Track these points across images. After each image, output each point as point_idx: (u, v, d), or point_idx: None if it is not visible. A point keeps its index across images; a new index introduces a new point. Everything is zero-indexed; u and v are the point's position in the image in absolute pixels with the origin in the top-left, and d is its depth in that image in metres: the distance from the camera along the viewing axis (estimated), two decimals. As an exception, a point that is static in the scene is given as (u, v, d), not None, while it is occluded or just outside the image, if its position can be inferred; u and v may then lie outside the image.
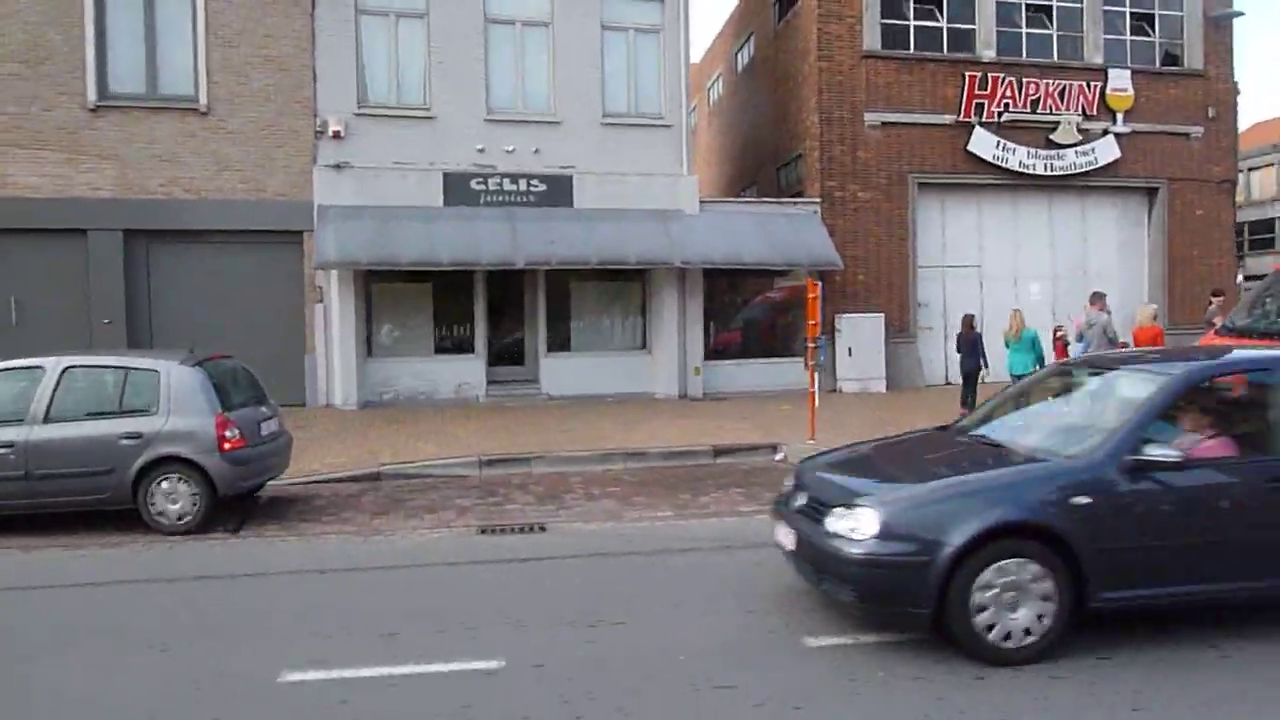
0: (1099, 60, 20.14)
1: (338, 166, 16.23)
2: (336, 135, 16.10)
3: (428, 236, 15.93)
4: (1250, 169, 45.52)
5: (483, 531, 8.27)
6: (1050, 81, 19.64)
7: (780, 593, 6.11)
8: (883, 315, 18.81)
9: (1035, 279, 20.44)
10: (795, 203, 19.09)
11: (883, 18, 19.09)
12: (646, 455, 11.67)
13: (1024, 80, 19.51)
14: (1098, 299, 13.63)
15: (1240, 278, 27.86)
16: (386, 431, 13.39)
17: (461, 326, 17.58)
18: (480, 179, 16.80)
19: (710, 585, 6.40)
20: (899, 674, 4.80)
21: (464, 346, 17.48)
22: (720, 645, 5.24)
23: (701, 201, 18.21)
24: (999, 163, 19.49)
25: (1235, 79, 21.13)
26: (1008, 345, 13.89)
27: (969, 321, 15.09)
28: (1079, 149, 19.86)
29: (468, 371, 17.21)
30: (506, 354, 17.94)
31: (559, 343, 18.06)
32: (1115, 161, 20.12)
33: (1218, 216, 21.21)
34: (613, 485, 10.33)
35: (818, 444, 11.86)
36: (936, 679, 4.72)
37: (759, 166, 23.20)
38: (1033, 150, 19.63)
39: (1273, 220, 48.14)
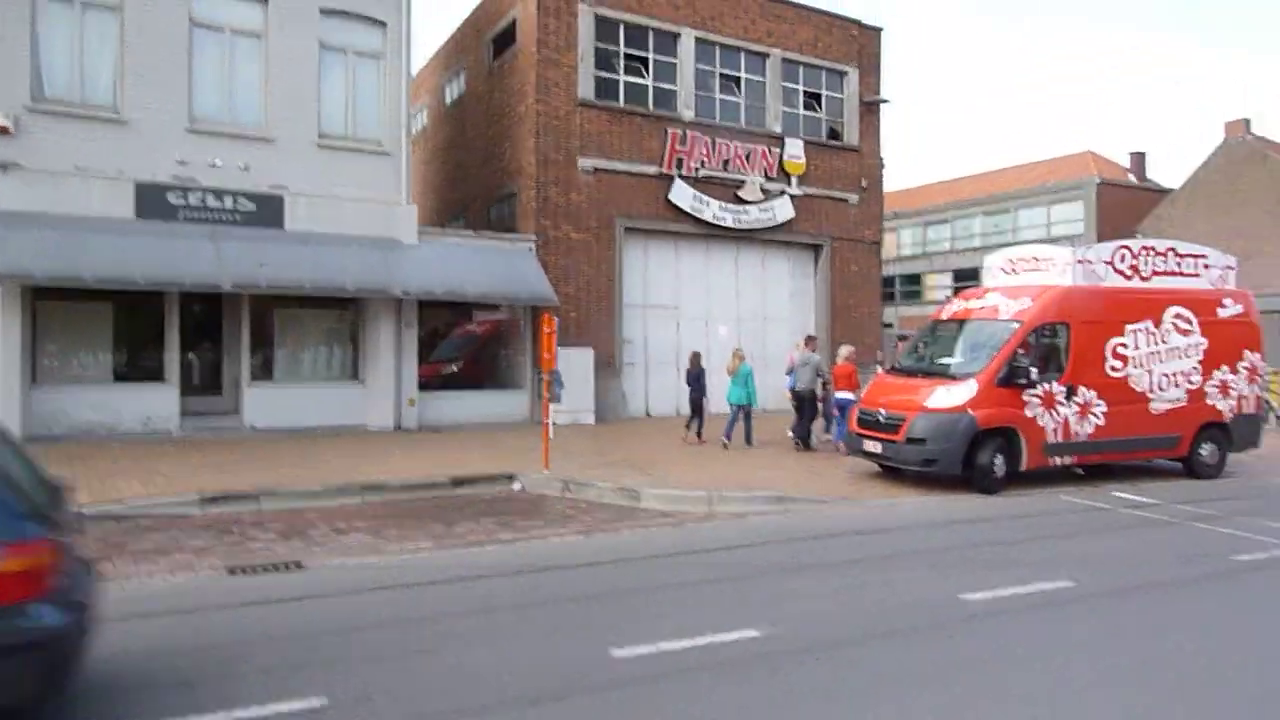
0: (778, 129, 22.71)
1: (3, 166, 14.18)
2: (4, 131, 14.09)
3: (118, 252, 14.35)
4: (892, 230, 53.24)
5: (233, 572, 7.69)
6: (739, 144, 21.82)
7: (585, 608, 6.38)
8: (592, 350, 19.68)
9: (724, 321, 22.42)
10: (513, 239, 19.50)
11: (596, 69, 20.20)
12: (385, 488, 11.37)
13: (717, 141, 21.51)
14: (810, 341, 15.59)
15: (896, 325, 32.08)
16: (71, 469, 11.83)
17: (149, 352, 15.96)
18: (180, 193, 15.45)
19: (522, 607, 6.52)
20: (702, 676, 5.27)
21: (152, 374, 15.87)
22: (538, 665, 5.40)
23: (420, 231, 18.04)
24: (695, 213, 21.26)
25: (882, 155, 24.76)
26: (735, 381, 15.65)
27: (696, 358, 16.81)
28: (761, 206, 22.21)
29: (157, 402, 15.62)
30: (203, 383, 16.53)
31: (264, 372, 16.97)
32: (790, 220, 22.71)
33: (868, 272, 24.61)
34: (357, 519, 9.98)
35: (552, 473, 12.29)
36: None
37: (468, 200, 23.38)
38: (724, 204, 21.65)
39: (919, 274, 56.44)
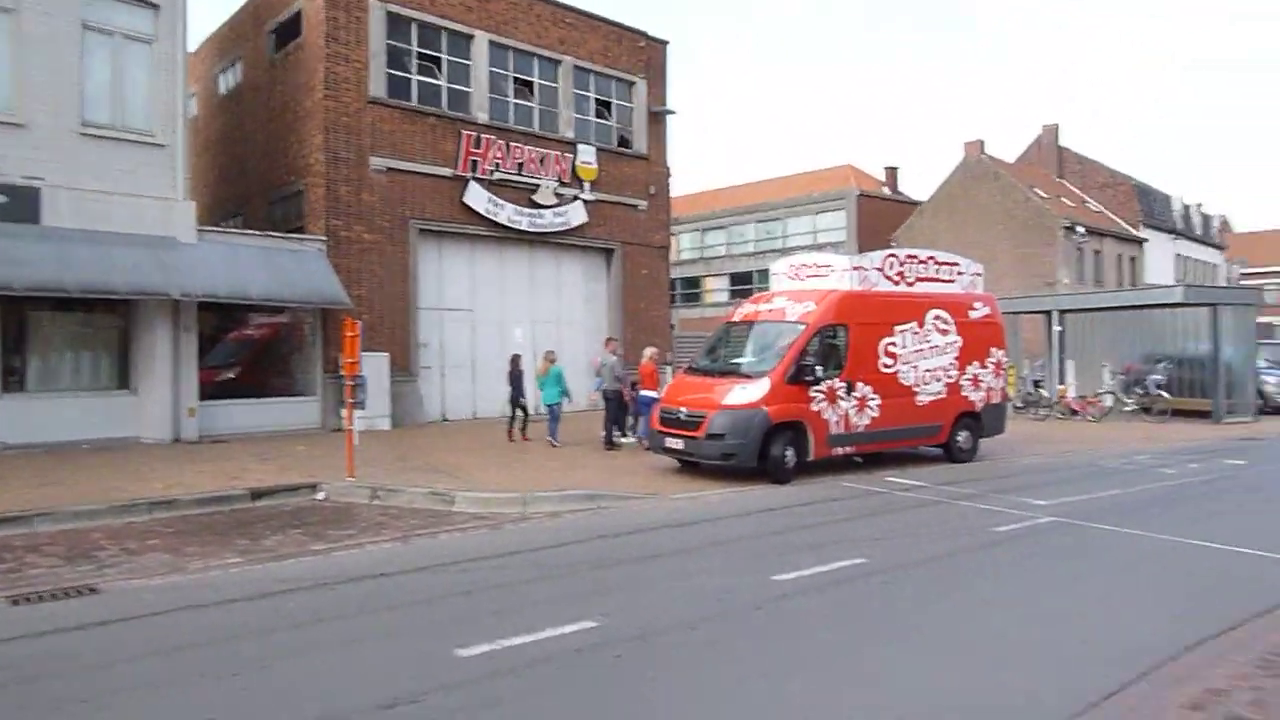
0: (571, 135, 23.12)
1: None
2: None
3: None
4: (673, 235, 55.16)
5: (16, 602, 7.03)
6: (533, 148, 22.03)
7: (419, 613, 6.37)
8: (387, 354, 19.24)
9: (518, 323, 22.54)
10: (302, 239, 18.71)
11: (389, 67, 19.76)
12: (177, 503, 10.68)
13: (511, 144, 21.62)
14: (610, 342, 15.97)
15: (677, 326, 33.19)
16: None
17: None
18: (-88, 182, 13.73)
19: (350, 616, 6.41)
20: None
21: (-124, 387, 13.99)
22: (384, 671, 5.39)
23: (199, 230, 16.95)
24: (490, 216, 21.26)
25: (669, 163, 25.75)
26: (540, 383, 15.95)
27: (516, 360, 17.26)
28: (555, 210, 22.52)
29: (-115, 418, 13.80)
30: (-58, 396, 14.75)
31: (15, 382, 15.35)
32: (583, 224, 23.18)
33: (657, 275, 25.52)
34: (149, 538, 9.34)
35: (358, 481, 12.00)
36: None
37: (247, 197, 22.16)
38: (518, 208, 21.78)
39: (697, 278, 58.57)
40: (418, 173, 20.12)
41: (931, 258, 15.28)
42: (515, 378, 17.11)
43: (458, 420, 20.95)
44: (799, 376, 13.02)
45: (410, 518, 10.48)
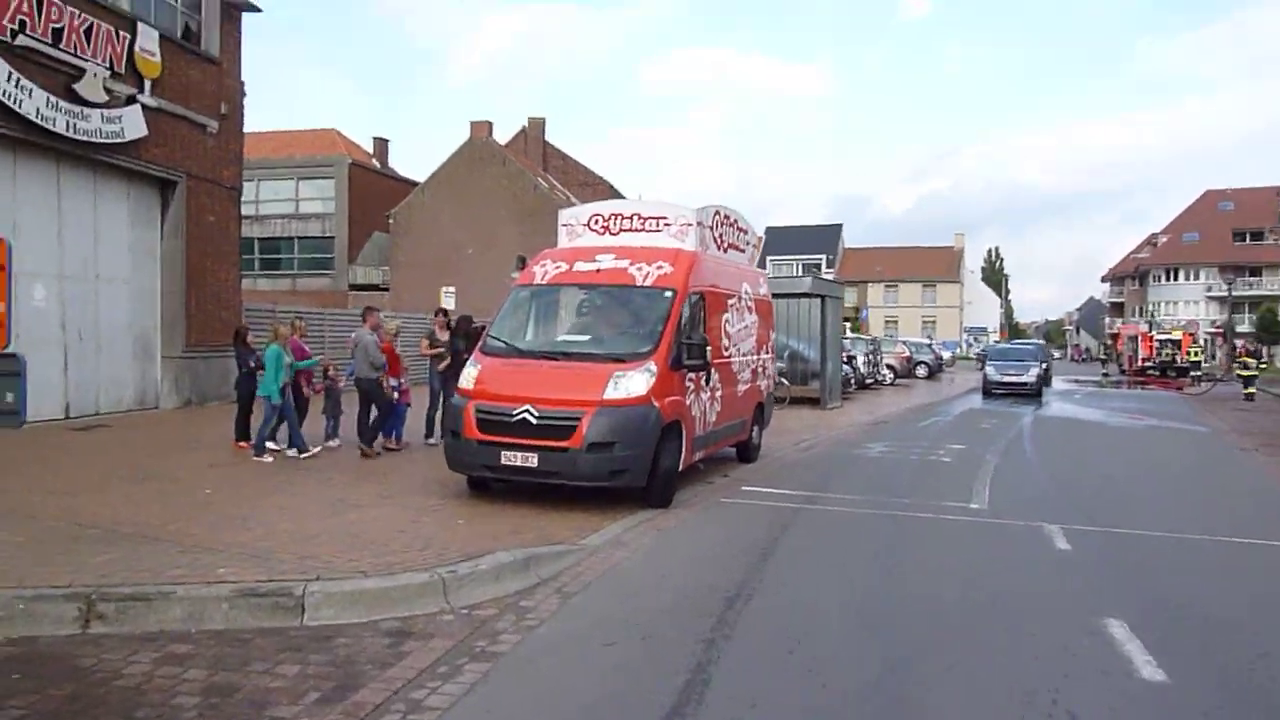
0: (127, 6, 15.78)
1: None
2: None
3: None
4: (260, 180, 44.46)
5: None
6: (78, 12, 14.43)
7: None
8: None
9: (38, 278, 14.68)
10: None
11: None
12: None
13: (44, -2, 13.85)
14: (370, 313, 10.56)
15: (280, 306, 26.37)
16: None
17: None
18: None
19: None
20: None
21: None
22: None
23: None
24: (9, 103, 13.36)
25: (244, 79, 19.28)
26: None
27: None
28: (106, 113, 15.14)
29: None
30: None
31: None
32: (142, 140, 16.01)
33: (227, 226, 18.95)
34: None
35: None
36: None
37: None
38: (53, 98, 14.09)
39: (278, 240, 47.91)
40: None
41: (735, 221, 12.77)
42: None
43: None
44: (679, 361, 9.66)
45: (235, 666, 4.92)
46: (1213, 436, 19.19)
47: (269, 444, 11.20)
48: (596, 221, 11.29)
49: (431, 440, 12.72)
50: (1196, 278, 76.65)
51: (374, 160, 51.14)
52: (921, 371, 39.94)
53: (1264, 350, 64.26)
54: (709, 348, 10.03)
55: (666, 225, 10.96)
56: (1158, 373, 44.78)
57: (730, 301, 11.68)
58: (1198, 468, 14.83)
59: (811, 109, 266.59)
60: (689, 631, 5.46)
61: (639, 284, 10.10)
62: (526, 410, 8.83)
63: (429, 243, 44.15)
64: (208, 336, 17.65)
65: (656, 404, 9.09)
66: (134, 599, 5.40)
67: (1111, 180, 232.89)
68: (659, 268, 10.18)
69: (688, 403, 9.92)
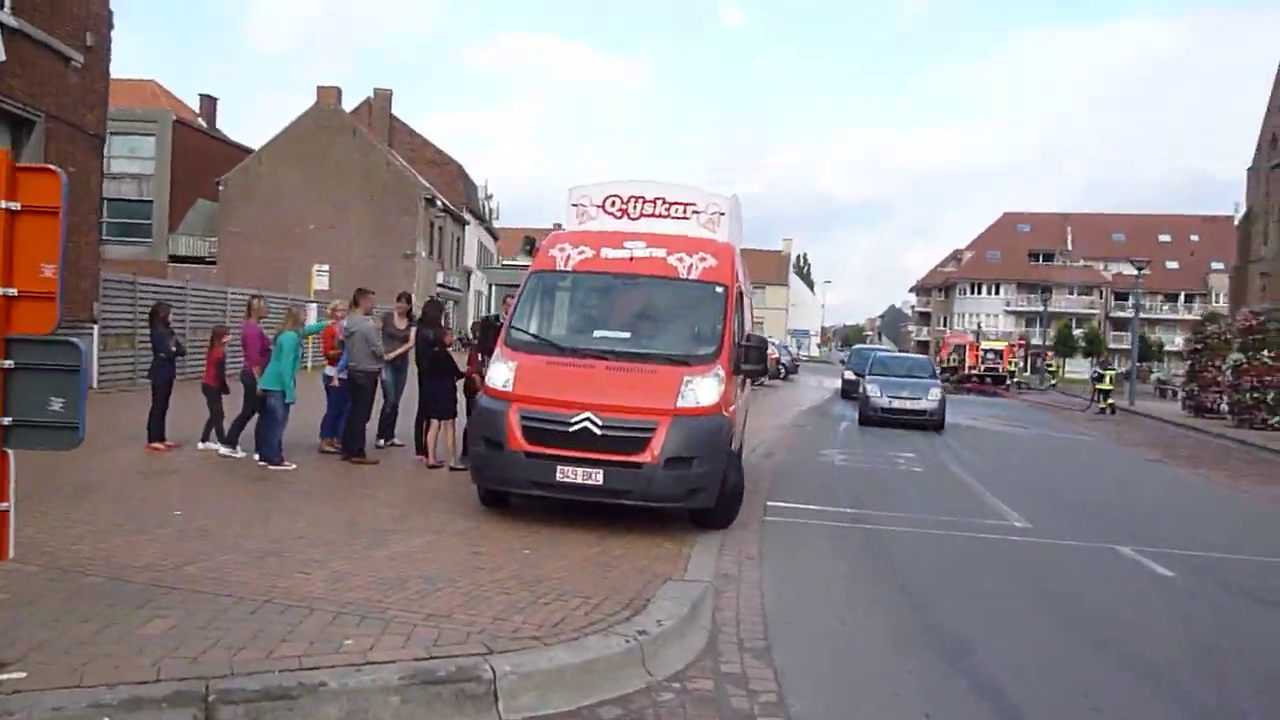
0: (-12, -99, 12.91)
1: None
2: None
3: None
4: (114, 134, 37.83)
5: None
6: (-68, -102, 11.57)
7: None
8: None
9: None
10: None
11: None
12: None
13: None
14: (362, 296, 8.68)
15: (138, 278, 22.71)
16: None
17: None
18: None
19: None
20: None
21: None
22: None
23: None
24: None
25: (111, 8, 16.38)
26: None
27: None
28: (-41, 29, 12.29)
29: None
30: None
31: None
32: (-2, 66, 13.18)
33: (87, 180, 16.04)
34: None
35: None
36: None
37: None
38: (-104, 4, 11.21)
39: (151, 206, 41.46)
40: None
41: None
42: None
43: None
44: (738, 365, 8.67)
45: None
46: (1113, 447, 19.99)
47: (220, 447, 9.28)
48: (613, 203, 9.96)
49: (381, 442, 11.08)
50: (997, 292, 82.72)
51: (199, 119, 46.39)
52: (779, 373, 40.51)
53: (1061, 363, 70.20)
54: (767, 350, 9.06)
55: (696, 213, 9.82)
56: (980, 380, 47.38)
57: (745, 301, 10.76)
58: (1155, 482, 14.68)
59: (636, 104, 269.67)
60: (949, 691, 4.52)
61: (682, 276, 8.94)
62: (588, 418, 7.55)
63: (268, 214, 40.43)
64: (71, 313, 14.84)
65: (726, 414, 8.05)
66: (269, 697, 3.81)
67: (906, 191, 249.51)
68: (702, 259, 9.07)
69: (733, 409, 8.92)
